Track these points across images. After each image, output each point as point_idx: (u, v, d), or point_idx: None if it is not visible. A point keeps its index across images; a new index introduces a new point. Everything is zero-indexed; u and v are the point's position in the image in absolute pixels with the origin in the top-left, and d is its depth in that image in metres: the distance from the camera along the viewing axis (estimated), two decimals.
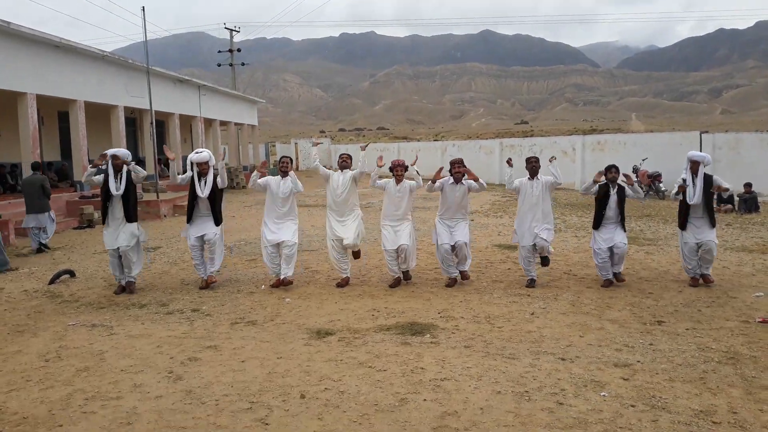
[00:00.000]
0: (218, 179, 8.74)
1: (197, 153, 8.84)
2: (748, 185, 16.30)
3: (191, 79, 27.67)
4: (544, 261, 8.77)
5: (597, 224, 8.49)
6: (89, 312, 7.79)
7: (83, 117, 19.06)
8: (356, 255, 9.05)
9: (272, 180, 8.84)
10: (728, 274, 9.04)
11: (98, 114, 21.50)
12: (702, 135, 19.58)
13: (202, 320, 7.30)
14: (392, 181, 8.60)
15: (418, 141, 59.12)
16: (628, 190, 8.44)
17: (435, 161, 31.93)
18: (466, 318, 7.14)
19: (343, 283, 8.80)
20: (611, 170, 8.39)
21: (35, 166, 13.07)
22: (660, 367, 5.44)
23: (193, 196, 8.77)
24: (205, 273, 8.86)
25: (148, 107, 21.37)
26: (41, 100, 17.51)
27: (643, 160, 20.19)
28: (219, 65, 45.10)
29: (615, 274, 8.44)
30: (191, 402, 4.91)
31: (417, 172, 8.53)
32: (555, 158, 8.71)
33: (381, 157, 8.75)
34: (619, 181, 8.44)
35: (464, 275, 8.61)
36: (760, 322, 6.67)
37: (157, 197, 18.44)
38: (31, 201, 12.34)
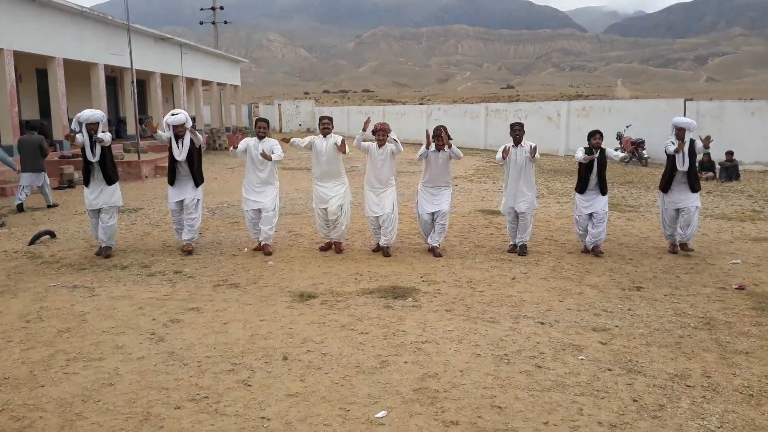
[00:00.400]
0: (192, 139, 8.59)
1: (173, 115, 8.57)
2: (729, 153, 16.41)
3: (173, 37, 27.12)
4: (522, 250, 8.49)
5: (582, 188, 8.45)
6: (70, 273, 7.74)
7: (62, 75, 18.67)
8: (338, 249, 8.72)
9: (251, 141, 8.66)
10: (707, 241, 9.16)
11: (78, 72, 21.07)
12: (686, 102, 19.61)
13: (184, 282, 7.29)
14: (375, 144, 8.45)
15: (404, 104, 58.83)
16: (609, 152, 8.40)
17: (420, 125, 31.80)
18: (448, 282, 7.19)
19: (326, 248, 8.79)
20: (595, 136, 8.33)
21: (33, 126, 13.18)
22: (637, 332, 5.54)
23: (173, 159, 8.62)
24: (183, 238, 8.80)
25: (128, 66, 20.95)
26: (18, 56, 17.09)
27: (627, 126, 20.22)
28: (201, 23, 44.22)
29: (593, 247, 8.41)
30: (173, 363, 4.93)
31: (395, 139, 8.40)
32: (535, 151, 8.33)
33: (368, 120, 8.41)
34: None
35: (435, 252, 8.44)
36: (736, 288, 6.79)
37: (138, 158, 18.22)
38: (28, 160, 12.30)
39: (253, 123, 9.07)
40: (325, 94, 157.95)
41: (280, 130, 45.28)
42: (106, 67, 21.37)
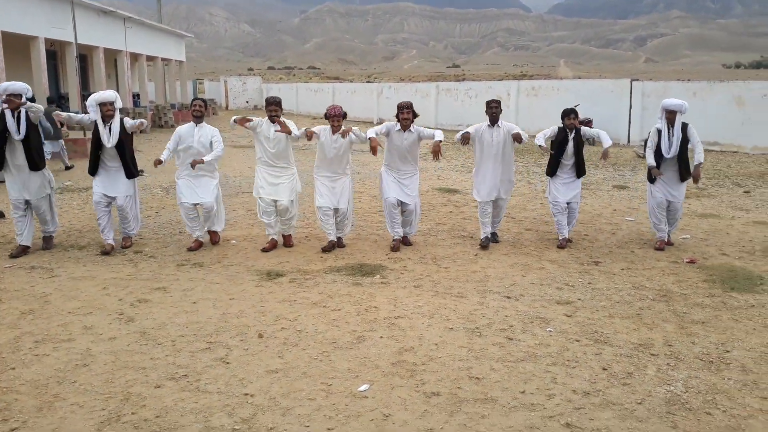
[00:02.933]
0: (125, 120, 7.46)
1: (101, 92, 7.55)
2: None
3: (116, 11, 26.23)
4: (494, 237, 8.02)
5: (552, 172, 7.89)
6: (25, 254, 7.50)
7: (0, 48, 17.85)
8: (289, 243, 7.83)
9: (183, 130, 7.65)
10: None
11: (16, 46, 20.17)
12: (632, 82, 20.15)
13: (146, 262, 7.18)
14: (328, 129, 7.48)
15: (351, 82, 58.47)
16: (585, 131, 7.82)
17: (371, 104, 31.75)
18: (413, 259, 7.29)
19: (270, 248, 7.68)
20: (570, 116, 7.64)
21: (50, 100, 14.97)
22: (599, 305, 5.76)
23: (97, 146, 7.42)
24: (112, 236, 7.64)
25: (70, 39, 20.26)
26: None
27: (576, 106, 20.64)
28: None
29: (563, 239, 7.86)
30: (146, 343, 4.89)
31: (356, 135, 7.40)
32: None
33: (312, 133, 7.38)
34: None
35: (406, 240, 7.83)
36: (688, 262, 7.11)
37: (84, 135, 17.64)
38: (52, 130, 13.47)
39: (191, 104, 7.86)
40: (270, 71, 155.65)
41: (227, 108, 44.45)
42: (46, 41, 20.53)
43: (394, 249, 7.64)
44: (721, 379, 4.25)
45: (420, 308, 5.65)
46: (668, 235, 7.86)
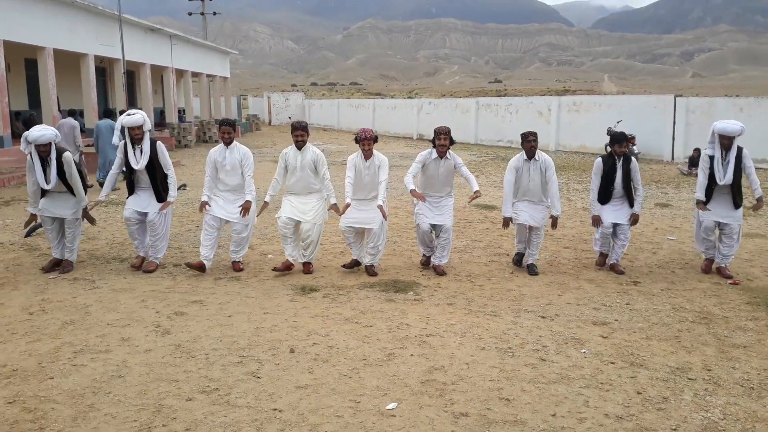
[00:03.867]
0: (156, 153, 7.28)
1: (129, 115, 7.25)
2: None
3: (163, 28, 26.93)
4: (531, 270, 7.39)
5: (604, 200, 7.40)
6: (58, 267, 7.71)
7: (52, 65, 18.49)
8: (307, 270, 7.41)
9: (215, 153, 7.36)
10: None
11: (67, 63, 20.87)
12: (677, 98, 19.78)
13: (184, 275, 7.30)
14: (359, 156, 7.23)
15: (392, 98, 58.78)
16: (635, 165, 7.35)
17: (411, 119, 31.86)
18: (448, 276, 7.26)
19: (283, 268, 7.33)
20: (622, 143, 7.22)
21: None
22: (637, 326, 5.64)
23: (129, 168, 7.30)
24: (143, 250, 7.58)
25: (118, 56, 20.89)
26: (7, 46, 16.92)
27: (618, 122, 20.37)
28: (190, 14, 43.95)
29: (612, 264, 7.48)
30: (181, 356, 4.96)
31: (383, 201, 7.06)
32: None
33: (341, 207, 7.14)
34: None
35: (438, 269, 7.36)
36: (731, 283, 6.91)
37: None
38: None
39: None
40: (312, 87, 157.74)
41: (270, 123, 45.13)
42: (96, 57, 21.19)
43: (425, 264, 7.60)
44: (762, 407, 4.11)
45: (452, 326, 5.61)
46: (725, 265, 7.27)
